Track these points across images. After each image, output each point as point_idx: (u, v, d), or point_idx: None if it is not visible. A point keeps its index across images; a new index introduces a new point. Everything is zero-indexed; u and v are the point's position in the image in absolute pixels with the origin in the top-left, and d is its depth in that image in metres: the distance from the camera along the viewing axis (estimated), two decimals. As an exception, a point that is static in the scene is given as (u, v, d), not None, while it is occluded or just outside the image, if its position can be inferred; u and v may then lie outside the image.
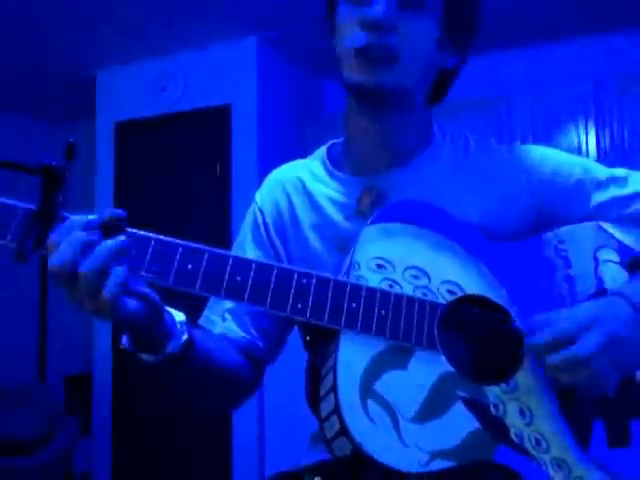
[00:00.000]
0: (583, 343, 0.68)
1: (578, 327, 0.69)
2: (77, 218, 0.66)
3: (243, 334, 0.91)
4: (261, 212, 0.96)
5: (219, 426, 3.28)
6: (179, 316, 0.74)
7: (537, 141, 0.91)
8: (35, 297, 4.41)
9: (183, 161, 3.56)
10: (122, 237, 0.65)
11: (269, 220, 0.95)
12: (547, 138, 3.10)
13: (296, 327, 0.95)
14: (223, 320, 0.92)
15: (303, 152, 1.04)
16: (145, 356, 0.72)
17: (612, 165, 0.91)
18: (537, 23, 3.22)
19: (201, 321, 0.94)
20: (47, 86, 3.97)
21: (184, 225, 3.14)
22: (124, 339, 0.72)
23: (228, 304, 0.92)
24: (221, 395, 0.91)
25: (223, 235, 3.24)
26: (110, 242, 0.64)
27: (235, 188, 3.37)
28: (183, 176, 3.54)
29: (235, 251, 0.94)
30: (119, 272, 0.63)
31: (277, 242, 0.93)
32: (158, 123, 3.61)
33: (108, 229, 0.65)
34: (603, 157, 3.02)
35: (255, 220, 0.96)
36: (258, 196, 0.99)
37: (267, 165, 1.03)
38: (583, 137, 3.10)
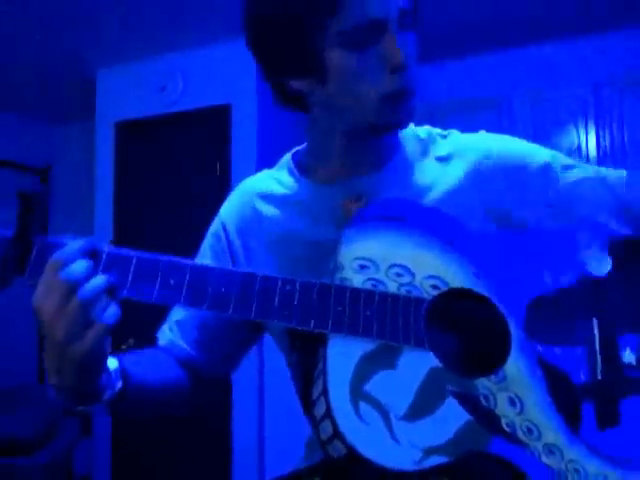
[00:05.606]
0: None
1: None
2: (67, 241, 0.68)
3: (185, 346, 0.92)
4: (223, 226, 0.94)
5: (219, 428, 3.28)
6: (112, 363, 0.74)
7: (537, 141, 0.91)
8: (35, 297, 4.40)
9: (183, 161, 3.56)
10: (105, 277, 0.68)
11: (232, 234, 0.93)
12: (547, 138, 3.10)
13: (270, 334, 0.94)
14: (170, 331, 0.94)
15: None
16: (80, 408, 0.71)
17: (612, 165, 0.90)
18: (537, 23, 3.22)
19: (159, 332, 0.96)
20: (47, 86, 3.97)
21: (183, 225, 3.14)
22: (52, 394, 0.70)
23: (178, 315, 0.93)
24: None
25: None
26: (103, 276, 0.67)
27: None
28: (183, 176, 3.54)
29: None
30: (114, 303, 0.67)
31: (241, 257, 0.92)
32: (158, 123, 3.60)
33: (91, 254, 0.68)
34: (603, 157, 3.02)
35: (216, 234, 0.95)
36: (223, 209, 0.97)
37: (267, 165, 1.01)
38: (583, 137, 3.10)
